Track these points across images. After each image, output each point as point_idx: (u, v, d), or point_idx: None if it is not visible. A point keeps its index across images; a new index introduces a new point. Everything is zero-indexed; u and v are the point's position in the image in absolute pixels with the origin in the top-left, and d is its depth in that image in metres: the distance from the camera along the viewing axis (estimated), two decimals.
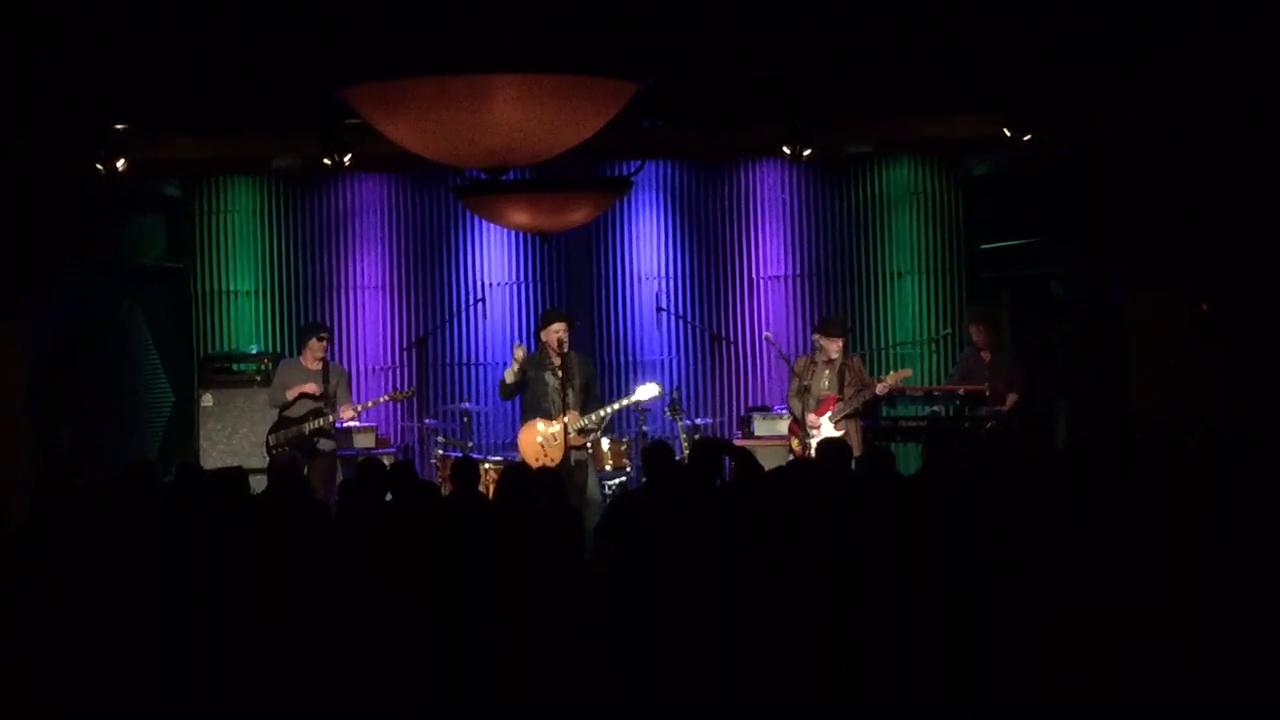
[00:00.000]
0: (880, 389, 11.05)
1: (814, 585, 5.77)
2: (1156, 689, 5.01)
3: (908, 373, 11.32)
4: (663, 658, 5.29)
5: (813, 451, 10.83)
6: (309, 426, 10.91)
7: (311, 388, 10.93)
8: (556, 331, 10.75)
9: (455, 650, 5.67)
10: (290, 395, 10.95)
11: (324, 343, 11.15)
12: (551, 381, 10.78)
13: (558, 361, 10.72)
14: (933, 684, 5.27)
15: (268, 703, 5.50)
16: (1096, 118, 10.54)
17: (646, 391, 11.23)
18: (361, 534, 6.90)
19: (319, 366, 11.08)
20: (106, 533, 6.56)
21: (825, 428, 10.97)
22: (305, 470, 10.32)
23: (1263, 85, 8.85)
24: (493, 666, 5.57)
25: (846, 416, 11.01)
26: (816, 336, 11.30)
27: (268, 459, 10.54)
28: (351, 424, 12.03)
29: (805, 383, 11.10)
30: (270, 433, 11.01)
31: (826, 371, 11.12)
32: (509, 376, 10.91)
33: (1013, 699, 5.16)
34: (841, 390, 11.02)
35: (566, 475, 10.35)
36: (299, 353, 11.32)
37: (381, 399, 11.64)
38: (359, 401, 11.62)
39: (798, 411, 11.15)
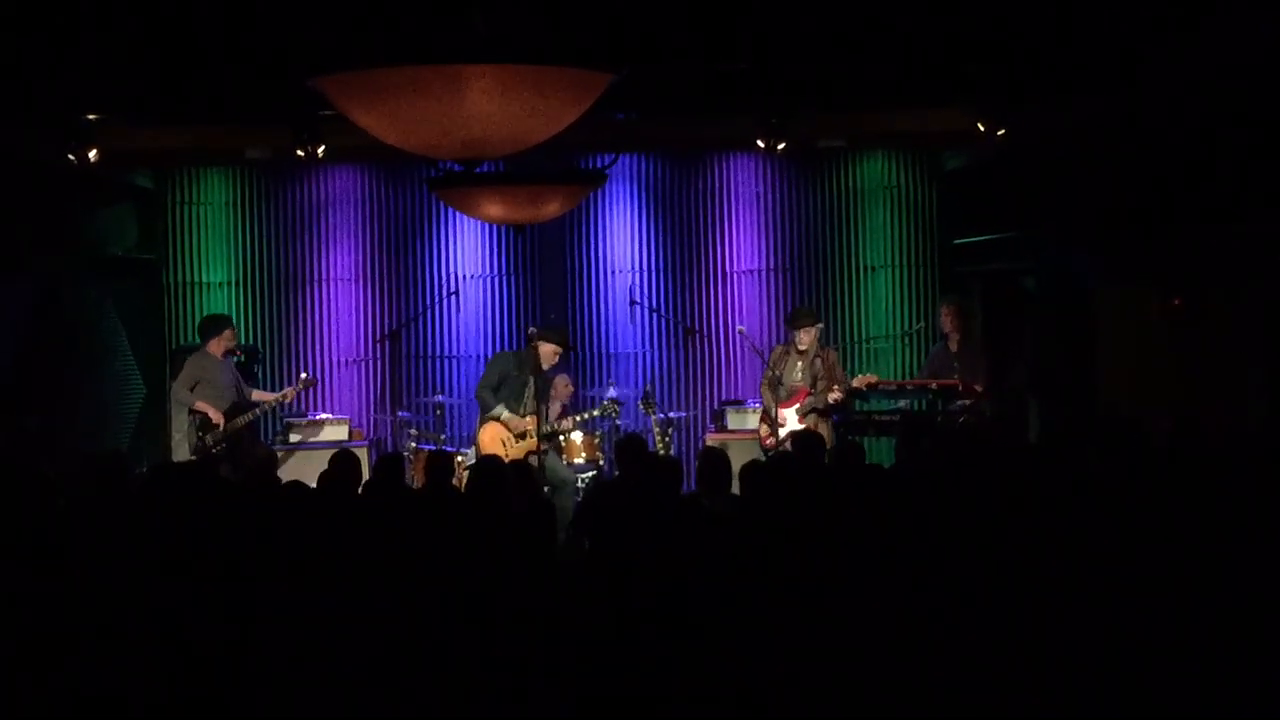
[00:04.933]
0: (833, 397, 11.00)
1: (788, 576, 5.78)
2: (1124, 681, 5.03)
3: (872, 379, 11.29)
4: (639, 648, 5.29)
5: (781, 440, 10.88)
6: (241, 421, 11.02)
7: (215, 416, 10.92)
8: (556, 352, 10.88)
9: (428, 643, 5.67)
10: (202, 407, 10.95)
11: (234, 330, 11.41)
12: (529, 388, 10.83)
13: (543, 370, 10.83)
14: (904, 676, 5.29)
15: (234, 696, 5.48)
16: (1069, 112, 10.58)
17: (608, 409, 11.28)
18: (337, 526, 6.89)
19: (222, 356, 11.23)
20: (75, 522, 6.53)
21: (791, 420, 10.97)
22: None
23: (1232, 78, 8.89)
24: (466, 659, 5.56)
25: (815, 411, 10.97)
26: (788, 328, 11.34)
27: (194, 457, 10.67)
28: (324, 416, 12.09)
29: (778, 373, 11.10)
30: (202, 431, 10.93)
31: (799, 363, 11.12)
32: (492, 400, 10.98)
33: (986, 694, 5.18)
34: (814, 383, 11.02)
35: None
36: (205, 342, 11.25)
37: (290, 391, 11.51)
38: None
39: (768, 401, 11.15)
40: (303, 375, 11.70)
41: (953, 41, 9.05)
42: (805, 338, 11.12)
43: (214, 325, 11.38)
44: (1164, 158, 9.83)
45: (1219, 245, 9.59)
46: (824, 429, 10.82)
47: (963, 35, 8.93)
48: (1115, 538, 5.86)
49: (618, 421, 11.77)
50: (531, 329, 11.21)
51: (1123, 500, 6.28)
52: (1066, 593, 5.44)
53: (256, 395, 11.45)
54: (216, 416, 10.88)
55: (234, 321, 11.66)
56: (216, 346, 11.17)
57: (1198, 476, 6.41)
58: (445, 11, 6.85)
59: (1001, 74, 9.80)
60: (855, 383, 11.14)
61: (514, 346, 12.61)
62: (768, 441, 10.99)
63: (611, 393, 11.84)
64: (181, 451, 11.77)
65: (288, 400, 11.55)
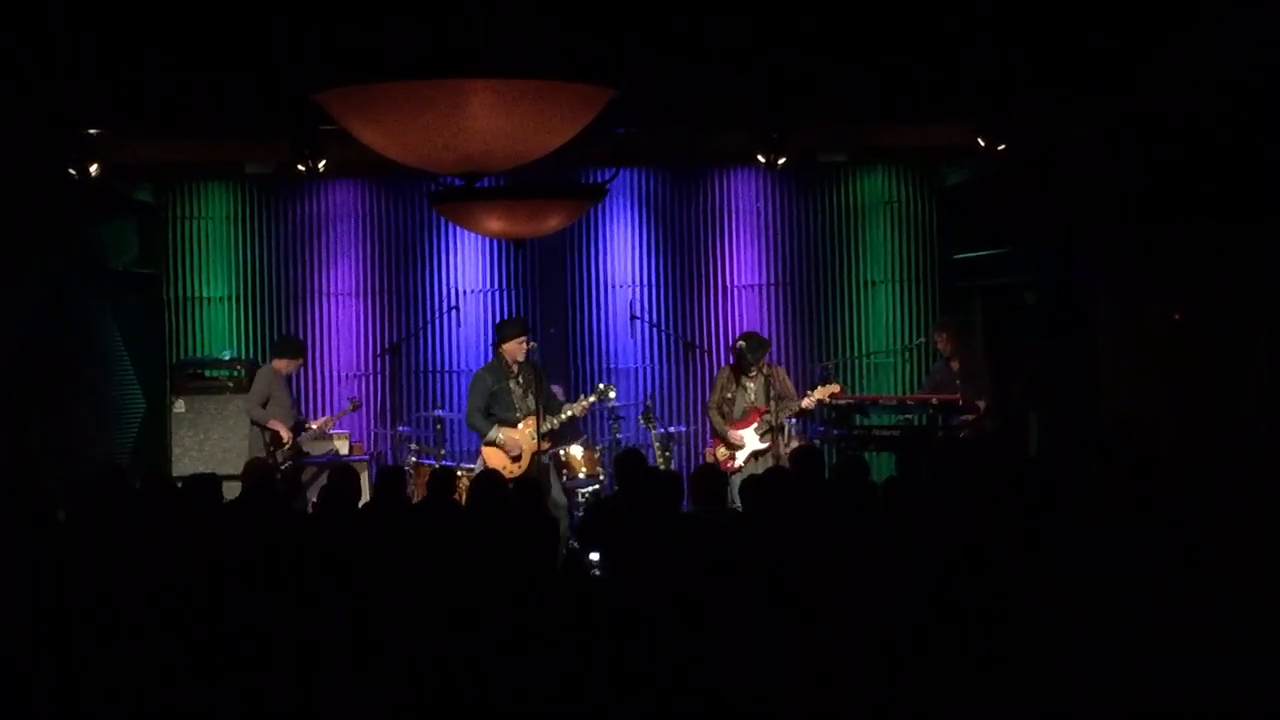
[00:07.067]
0: (807, 403, 10.98)
1: (787, 593, 5.77)
2: (1128, 690, 5.02)
3: (836, 388, 11.24)
4: (637, 663, 5.29)
5: (739, 463, 10.83)
6: (305, 439, 11.30)
7: (286, 435, 11.03)
8: (525, 344, 10.81)
9: (431, 655, 5.66)
10: (275, 426, 11.04)
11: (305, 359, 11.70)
12: (516, 390, 10.82)
13: (516, 370, 10.79)
14: (903, 689, 5.28)
15: (235, 709, 5.47)
16: (1068, 126, 10.58)
17: (603, 393, 11.23)
18: (338, 540, 6.88)
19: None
20: (76, 534, 6.53)
21: (750, 441, 10.92)
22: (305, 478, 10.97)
23: (1228, 90, 8.90)
24: (469, 672, 5.55)
25: (773, 430, 10.88)
26: (747, 357, 11.19)
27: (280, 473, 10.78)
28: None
29: (728, 395, 11.05)
30: (273, 446, 11.00)
31: (751, 384, 11.04)
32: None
33: (984, 707, 5.17)
34: (768, 402, 10.93)
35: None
36: (277, 358, 11.36)
37: (336, 416, 11.83)
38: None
39: (719, 424, 11.09)
40: (350, 399, 11.90)
41: (952, 56, 9.06)
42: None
43: (292, 347, 11.56)
44: (1165, 168, 9.83)
45: (1221, 257, 9.60)
46: (781, 448, 10.69)
47: (962, 49, 8.95)
48: (1117, 549, 5.85)
49: (619, 436, 11.75)
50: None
51: (1124, 511, 6.28)
52: (1070, 605, 5.44)
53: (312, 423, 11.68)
54: (288, 435, 11.02)
55: (234, 340, 11.83)
56: (286, 366, 11.33)
57: (1200, 489, 6.40)
58: (446, 26, 6.86)
59: (1001, 88, 9.81)
60: (818, 394, 11.08)
61: None
62: (728, 465, 10.90)
63: (611, 400, 11.69)
64: (181, 466, 11.77)
65: (327, 429, 11.77)
